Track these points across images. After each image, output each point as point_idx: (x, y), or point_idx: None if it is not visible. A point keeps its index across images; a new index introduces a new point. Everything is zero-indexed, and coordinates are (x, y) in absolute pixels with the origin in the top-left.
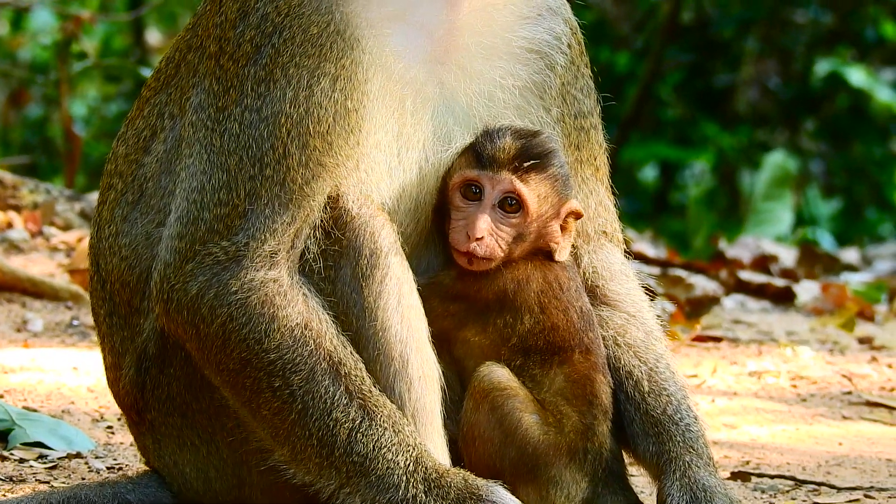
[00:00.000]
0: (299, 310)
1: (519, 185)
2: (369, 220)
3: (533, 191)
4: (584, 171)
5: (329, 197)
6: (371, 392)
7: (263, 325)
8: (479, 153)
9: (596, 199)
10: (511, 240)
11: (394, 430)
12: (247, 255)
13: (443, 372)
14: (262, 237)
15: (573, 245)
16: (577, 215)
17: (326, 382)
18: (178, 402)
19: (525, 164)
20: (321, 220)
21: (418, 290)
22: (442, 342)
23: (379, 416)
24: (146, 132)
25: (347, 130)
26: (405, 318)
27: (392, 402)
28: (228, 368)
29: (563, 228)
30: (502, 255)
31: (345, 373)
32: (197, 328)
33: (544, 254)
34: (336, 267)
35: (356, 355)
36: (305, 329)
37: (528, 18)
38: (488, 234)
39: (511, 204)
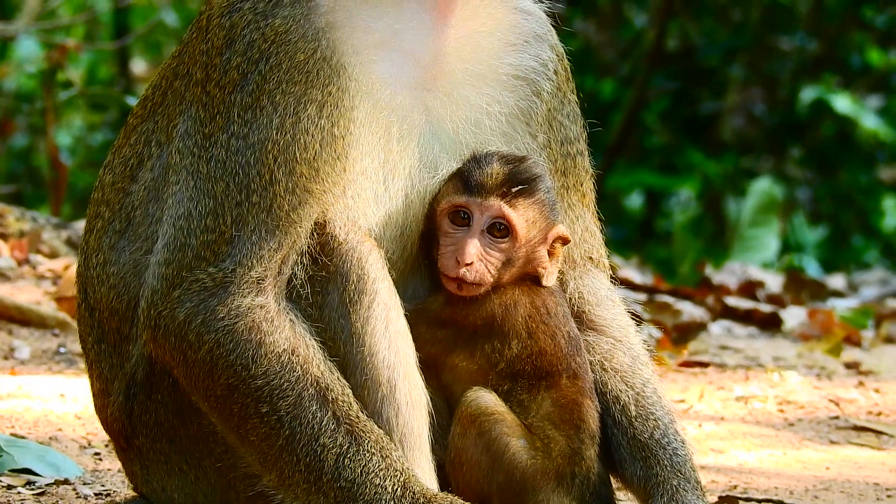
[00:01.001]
0: (286, 335)
1: (507, 211)
2: (357, 246)
3: (521, 216)
4: (570, 197)
5: (316, 223)
6: (358, 417)
7: (251, 351)
8: (467, 179)
9: (582, 224)
10: (500, 265)
11: (381, 456)
12: (234, 281)
13: (430, 397)
14: (249, 263)
15: (560, 270)
16: (565, 240)
17: (314, 408)
18: (165, 428)
19: (513, 190)
20: (308, 246)
21: (406, 315)
22: (430, 368)
23: (366, 441)
24: (133, 160)
25: (334, 157)
26: (393, 343)
27: (380, 427)
28: (216, 394)
29: (550, 253)
30: (491, 280)
31: (332, 398)
32: (184, 354)
33: (532, 279)
34: (323, 293)
35: (343, 381)
36: (292, 355)
37: (515, 45)
38: (478, 260)
39: (500, 229)
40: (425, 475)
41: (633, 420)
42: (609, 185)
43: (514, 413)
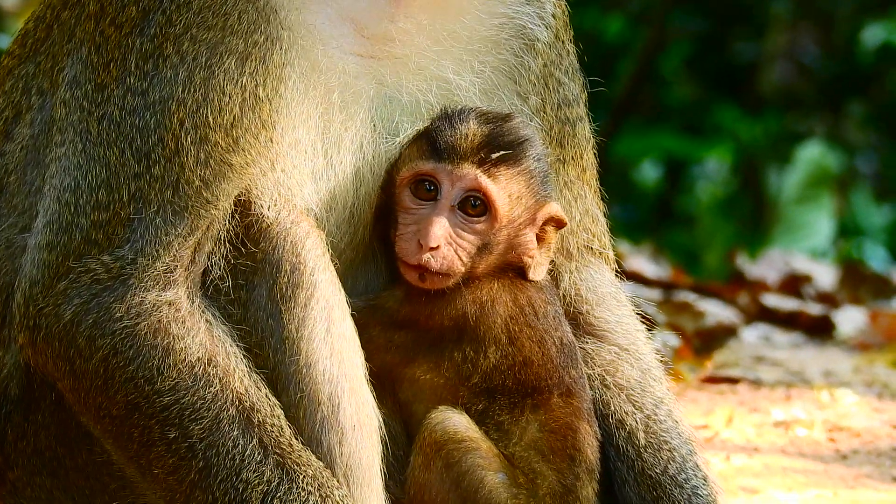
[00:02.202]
0: (201, 341)
1: (485, 182)
2: (290, 228)
3: (503, 189)
4: (567, 172)
5: (240, 201)
6: (291, 446)
7: (156, 359)
8: (434, 140)
9: (582, 207)
10: (474, 251)
11: (320, 495)
12: (134, 272)
13: (384, 420)
14: (154, 251)
15: (552, 262)
16: (559, 223)
17: (235, 434)
18: (47, 458)
19: (493, 156)
20: (230, 230)
21: (353, 315)
22: (384, 382)
23: (301, 476)
24: (8, 112)
25: (258, 125)
26: (336, 350)
27: (319, 457)
28: (111, 415)
29: (539, 239)
30: (462, 269)
31: (258, 421)
32: (72, 363)
33: (515, 270)
34: (249, 286)
35: (273, 399)
36: (209, 365)
37: None
38: (445, 243)
39: (475, 205)
40: None
41: (642, 451)
42: (615, 152)
43: (492, 440)
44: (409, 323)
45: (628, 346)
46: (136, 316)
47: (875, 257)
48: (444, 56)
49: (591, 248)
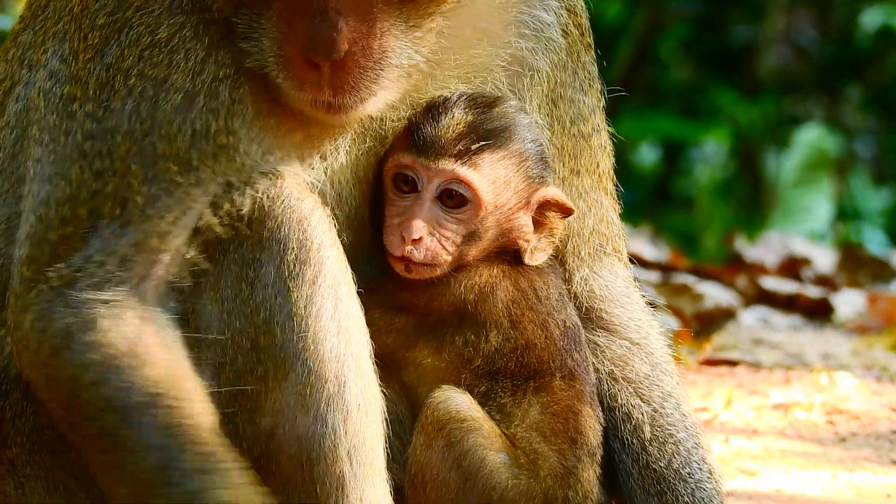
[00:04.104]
0: (126, 333)
1: (464, 172)
2: (295, 204)
3: (486, 176)
4: (583, 182)
5: (235, 182)
6: (204, 440)
7: (85, 354)
8: (414, 134)
9: (597, 214)
10: (460, 240)
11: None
12: (80, 278)
13: (391, 402)
14: (100, 259)
15: (560, 257)
16: (563, 209)
17: (146, 421)
18: (47, 436)
19: (474, 147)
20: (232, 212)
21: (359, 293)
22: (389, 364)
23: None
24: (6, 81)
25: (215, 150)
26: (343, 328)
27: (324, 435)
28: (60, 408)
29: (538, 224)
30: (448, 258)
31: (167, 406)
32: (33, 367)
33: (512, 254)
34: (256, 265)
35: (200, 385)
36: (132, 357)
37: (486, 29)
38: (428, 234)
39: (452, 196)
40: (379, 499)
41: (647, 444)
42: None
43: (494, 420)
44: (409, 307)
45: (640, 341)
46: (74, 314)
47: (873, 240)
48: (433, 81)
49: (606, 252)
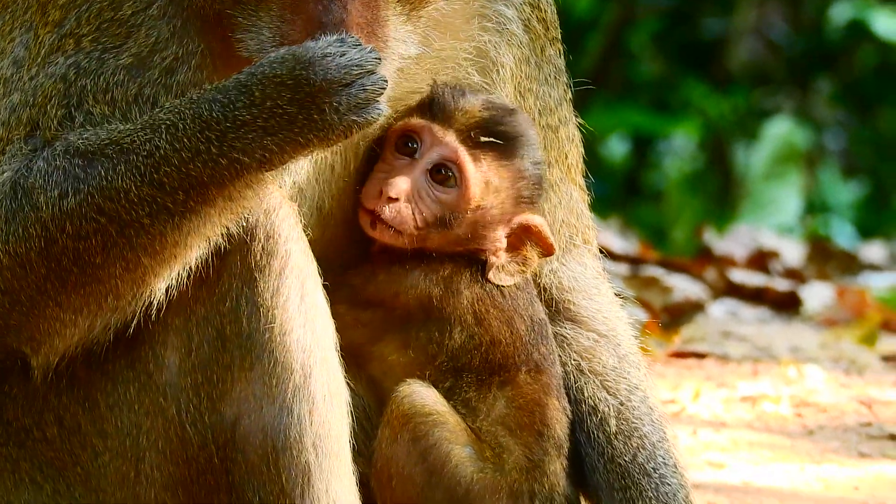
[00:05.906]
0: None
1: (463, 157)
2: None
3: (482, 174)
4: (552, 174)
5: None
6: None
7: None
8: (432, 102)
9: (567, 206)
10: (432, 218)
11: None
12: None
13: (359, 396)
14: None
15: (524, 268)
16: (543, 242)
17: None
18: (14, 428)
19: (482, 139)
20: None
21: (325, 286)
22: (354, 358)
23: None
24: None
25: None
26: (309, 319)
27: (290, 425)
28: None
29: (512, 246)
30: (413, 231)
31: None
32: None
33: (479, 265)
34: (221, 253)
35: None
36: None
37: (444, 25)
38: (406, 199)
39: (446, 174)
40: (345, 492)
41: (613, 438)
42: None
43: (460, 414)
44: (375, 302)
45: (607, 333)
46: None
47: (842, 234)
48: (402, 74)
49: (574, 243)
